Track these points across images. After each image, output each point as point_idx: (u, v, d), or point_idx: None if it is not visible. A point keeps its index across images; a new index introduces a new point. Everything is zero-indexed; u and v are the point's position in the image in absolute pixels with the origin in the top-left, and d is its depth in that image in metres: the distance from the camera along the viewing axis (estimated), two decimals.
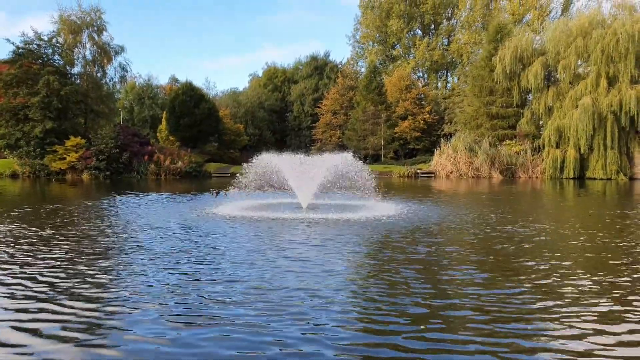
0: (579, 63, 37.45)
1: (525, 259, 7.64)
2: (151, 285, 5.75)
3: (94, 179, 34.25)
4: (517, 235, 9.90)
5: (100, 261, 7.19)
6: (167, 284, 5.83)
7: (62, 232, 10.05)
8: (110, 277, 6.26)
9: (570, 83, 37.09)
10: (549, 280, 6.22)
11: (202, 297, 5.29)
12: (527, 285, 6.02)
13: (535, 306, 5.19)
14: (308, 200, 14.55)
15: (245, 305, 4.99)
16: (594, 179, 34.62)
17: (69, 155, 35.40)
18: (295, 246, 8.22)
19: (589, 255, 7.99)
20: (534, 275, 6.51)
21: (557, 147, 36.65)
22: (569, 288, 5.86)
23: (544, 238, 9.53)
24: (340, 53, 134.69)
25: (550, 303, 5.24)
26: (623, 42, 33.42)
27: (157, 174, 36.68)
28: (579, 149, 35.46)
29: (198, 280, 6.01)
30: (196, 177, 37.37)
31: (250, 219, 11.96)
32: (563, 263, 7.26)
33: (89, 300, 5.25)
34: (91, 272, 6.56)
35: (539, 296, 5.54)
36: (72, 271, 6.63)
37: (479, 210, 14.65)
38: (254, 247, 8.30)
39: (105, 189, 25.13)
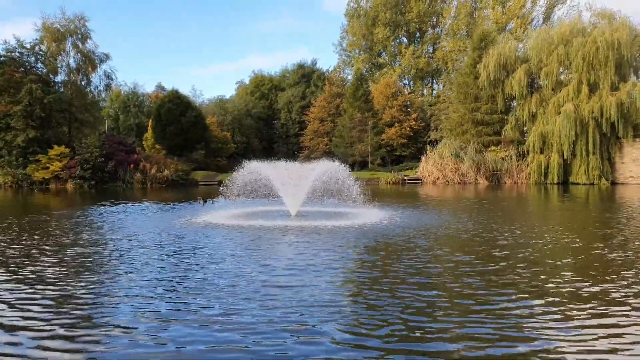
0: (561, 70, 38.16)
1: (524, 270, 7.71)
2: (115, 325, 4.83)
3: (78, 188, 33.74)
4: (511, 244, 9.98)
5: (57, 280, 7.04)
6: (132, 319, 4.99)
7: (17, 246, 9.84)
8: (62, 299, 5.74)
9: (552, 90, 37.76)
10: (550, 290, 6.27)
11: (168, 335, 4.58)
12: (522, 295, 6.06)
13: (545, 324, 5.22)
14: (297, 208, 14.52)
15: (219, 350, 4.24)
16: (577, 184, 35.18)
17: (52, 165, 34.83)
18: (282, 264, 7.47)
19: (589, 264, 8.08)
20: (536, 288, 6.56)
21: (541, 152, 37.18)
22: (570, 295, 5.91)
23: (537, 245, 9.64)
24: (326, 59, 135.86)
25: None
26: (603, 50, 34.19)
27: (143, 183, 36.27)
28: (563, 154, 36.01)
29: (169, 312, 5.23)
30: (183, 186, 37.06)
31: (238, 227, 11.87)
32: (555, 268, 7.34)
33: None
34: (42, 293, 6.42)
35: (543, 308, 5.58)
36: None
37: (470, 216, 14.76)
38: (237, 261, 7.76)
39: (90, 198, 24.76)
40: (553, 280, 6.55)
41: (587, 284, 6.35)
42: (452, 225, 12.41)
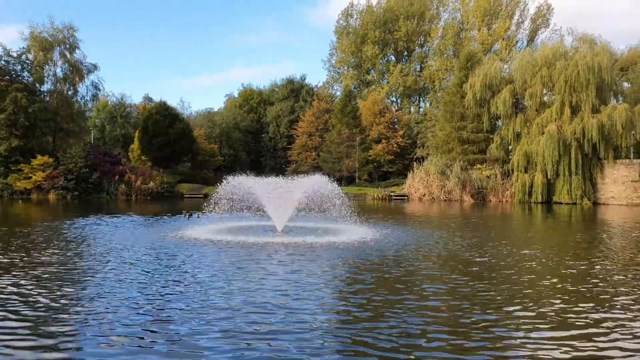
0: (545, 92, 39.00)
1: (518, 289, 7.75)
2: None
3: (61, 199, 33.17)
4: (496, 264, 10.05)
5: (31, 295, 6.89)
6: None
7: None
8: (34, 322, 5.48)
9: (536, 110, 38.50)
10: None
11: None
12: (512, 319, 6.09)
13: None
14: (283, 223, 14.45)
15: None
16: (561, 203, 35.68)
17: (34, 175, 34.22)
18: (267, 285, 7.25)
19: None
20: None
21: (526, 171, 37.73)
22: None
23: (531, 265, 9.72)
24: (312, 73, 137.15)
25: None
26: (584, 73, 35.09)
27: (128, 195, 35.82)
28: (546, 174, 36.57)
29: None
30: (168, 198, 36.69)
31: (222, 243, 11.74)
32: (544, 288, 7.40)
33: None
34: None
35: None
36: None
37: (456, 236, 14.84)
38: (219, 282, 7.44)
39: (72, 209, 24.36)
40: (540, 303, 6.61)
41: (569, 305, 6.41)
42: (438, 244, 12.46)
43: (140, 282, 7.35)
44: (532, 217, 25.00)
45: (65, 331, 5.03)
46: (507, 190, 38.47)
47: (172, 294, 6.64)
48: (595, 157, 36.72)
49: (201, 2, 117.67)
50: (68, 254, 9.89)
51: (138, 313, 5.69)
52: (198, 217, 18.01)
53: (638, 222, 20.70)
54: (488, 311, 6.00)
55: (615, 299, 6.75)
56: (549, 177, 36.66)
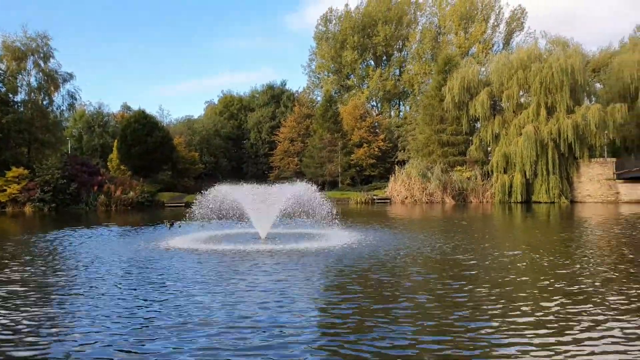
0: (521, 93, 39.84)
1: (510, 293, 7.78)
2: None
3: (37, 211, 32.34)
4: (479, 265, 10.12)
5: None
6: None
7: None
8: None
9: (514, 112, 39.27)
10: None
11: None
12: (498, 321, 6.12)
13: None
14: (267, 230, 14.34)
15: None
16: (539, 202, 36.38)
17: (9, 187, 33.31)
18: (250, 296, 7.04)
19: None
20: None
21: (505, 172, 38.39)
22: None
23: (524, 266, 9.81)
24: (292, 78, 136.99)
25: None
26: (558, 75, 35.99)
27: (107, 205, 35.14)
28: (525, 174, 37.30)
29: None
30: (149, 208, 36.12)
31: (204, 253, 11.57)
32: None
33: None
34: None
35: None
36: None
37: (438, 237, 14.93)
38: (201, 295, 7.18)
39: (50, 222, 23.77)
40: (531, 305, 6.67)
41: (561, 307, 6.48)
42: (422, 246, 12.51)
43: (116, 297, 7.14)
44: (513, 217, 25.38)
45: (33, 355, 4.82)
46: (487, 191, 39.07)
47: (150, 309, 6.47)
48: (571, 156, 37.63)
49: (179, 10, 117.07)
50: (39, 269, 9.57)
51: (113, 331, 5.51)
52: (179, 226, 17.75)
53: (614, 219, 21.20)
54: (478, 315, 6.02)
55: (606, 298, 6.83)
56: (527, 177, 37.39)
